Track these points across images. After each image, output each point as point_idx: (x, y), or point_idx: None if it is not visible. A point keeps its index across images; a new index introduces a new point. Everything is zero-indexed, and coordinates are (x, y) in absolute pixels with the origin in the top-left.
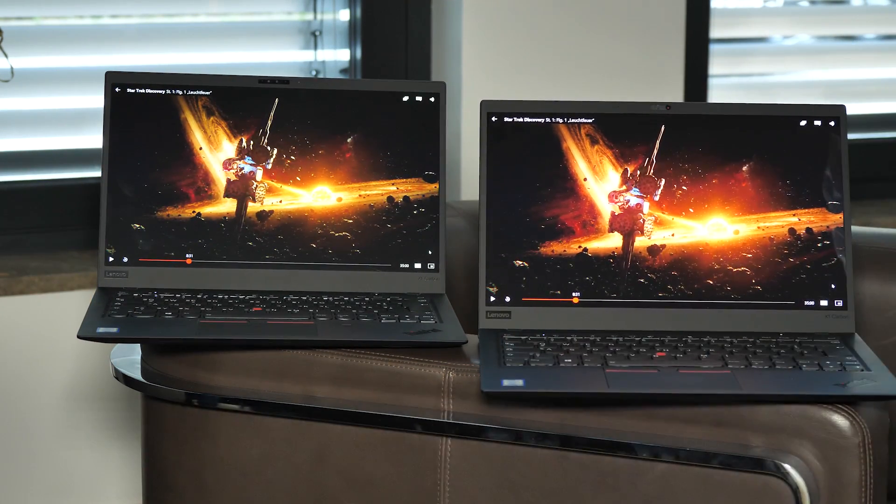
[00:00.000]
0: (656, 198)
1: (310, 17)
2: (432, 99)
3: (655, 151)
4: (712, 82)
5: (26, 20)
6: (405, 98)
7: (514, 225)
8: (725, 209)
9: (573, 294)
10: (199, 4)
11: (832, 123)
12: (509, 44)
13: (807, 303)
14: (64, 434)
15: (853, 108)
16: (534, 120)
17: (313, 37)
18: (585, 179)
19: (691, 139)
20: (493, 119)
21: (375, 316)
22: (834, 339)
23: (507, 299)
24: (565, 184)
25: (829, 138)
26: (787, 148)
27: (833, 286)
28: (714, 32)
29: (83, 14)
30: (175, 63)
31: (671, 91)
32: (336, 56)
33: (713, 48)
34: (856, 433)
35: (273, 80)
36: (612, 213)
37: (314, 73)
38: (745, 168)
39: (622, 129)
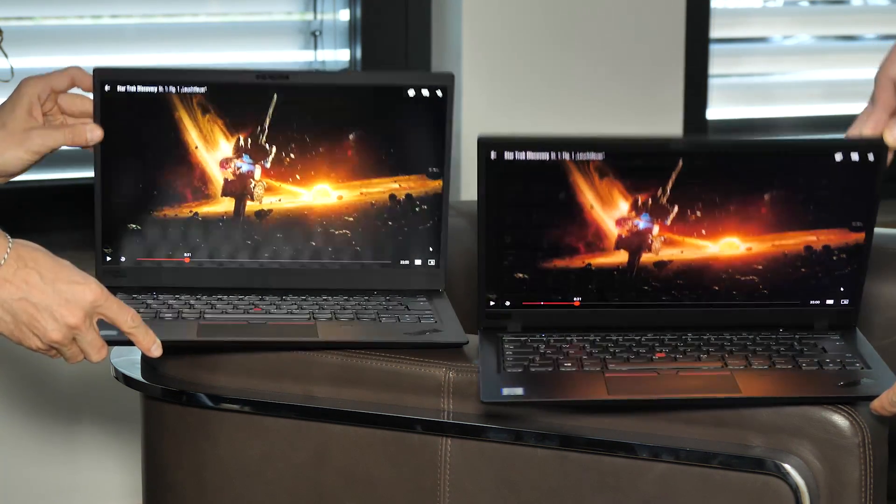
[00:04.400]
0: (667, 223)
1: (310, 17)
2: (439, 92)
3: (669, 187)
4: (712, 82)
5: (26, 20)
6: (410, 91)
7: (512, 261)
8: (740, 233)
9: (574, 299)
10: (199, 4)
11: (870, 158)
12: (509, 44)
13: (811, 301)
14: (64, 434)
15: (853, 109)
16: (535, 156)
17: (313, 37)
18: (592, 207)
19: (706, 180)
20: (493, 157)
21: (375, 316)
22: (834, 334)
23: (507, 304)
24: (572, 212)
25: (865, 179)
26: (815, 184)
27: (842, 288)
28: (714, 32)
29: (83, 14)
30: (175, 63)
31: (671, 90)
32: (336, 56)
33: (713, 48)
34: (856, 433)
35: (272, 74)
36: (619, 236)
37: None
38: (765, 201)
39: (635, 167)
